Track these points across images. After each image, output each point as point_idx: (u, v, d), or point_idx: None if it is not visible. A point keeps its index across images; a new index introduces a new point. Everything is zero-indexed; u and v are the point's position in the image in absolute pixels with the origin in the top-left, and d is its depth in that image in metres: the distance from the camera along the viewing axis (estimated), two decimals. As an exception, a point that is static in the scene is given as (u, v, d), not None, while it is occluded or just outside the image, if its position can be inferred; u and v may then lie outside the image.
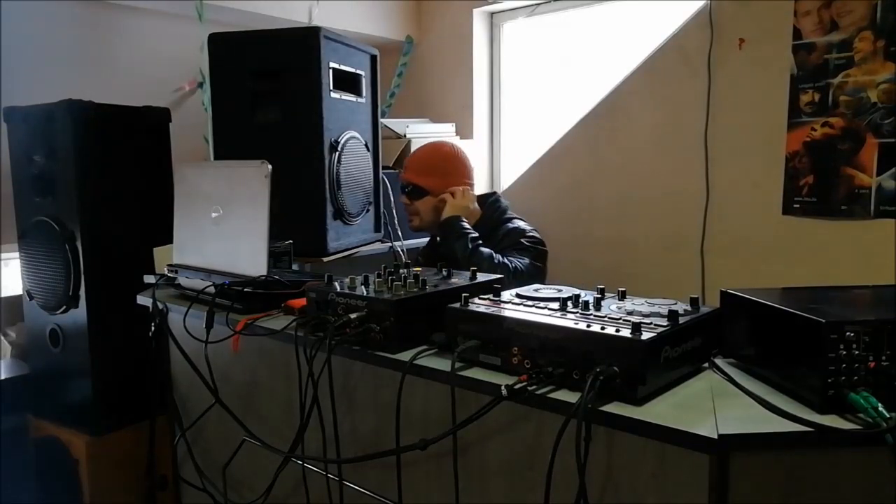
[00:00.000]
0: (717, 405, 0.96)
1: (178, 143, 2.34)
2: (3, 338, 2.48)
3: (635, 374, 0.95)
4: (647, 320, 1.03)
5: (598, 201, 3.09)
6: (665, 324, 1.02)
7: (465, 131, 3.51)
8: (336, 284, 1.37)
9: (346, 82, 2.41)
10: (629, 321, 1.00)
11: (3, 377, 2.31)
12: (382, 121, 2.79)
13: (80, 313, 2.08)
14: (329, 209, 2.30)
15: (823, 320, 0.89)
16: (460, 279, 1.42)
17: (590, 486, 0.93)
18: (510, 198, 3.47)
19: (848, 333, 0.89)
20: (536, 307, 1.14)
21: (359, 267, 1.80)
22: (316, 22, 3.07)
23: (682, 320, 1.04)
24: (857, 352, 0.89)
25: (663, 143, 2.85)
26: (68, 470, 2.13)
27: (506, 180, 3.61)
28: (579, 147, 3.14)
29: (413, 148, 2.97)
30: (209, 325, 1.50)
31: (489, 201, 2.41)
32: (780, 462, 0.89)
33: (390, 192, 2.78)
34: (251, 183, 1.56)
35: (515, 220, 2.34)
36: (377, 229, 2.69)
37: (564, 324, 1.04)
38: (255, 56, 2.29)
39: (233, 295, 1.53)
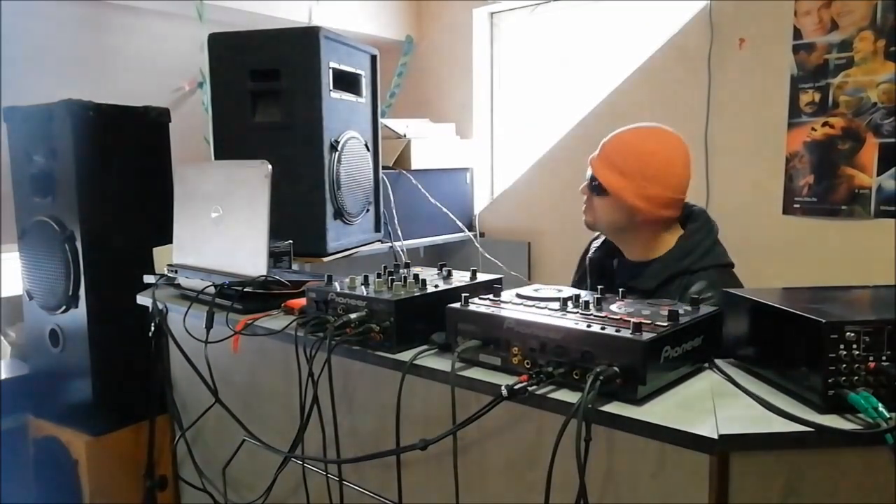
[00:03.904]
0: (717, 405, 0.96)
1: (178, 143, 2.34)
2: (3, 338, 2.48)
3: (635, 374, 0.95)
4: (647, 320, 1.03)
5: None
6: (665, 324, 1.02)
7: (465, 131, 3.51)
8: (336, 284, 1.37)
9: (346, 82, 2.41)
10: (629, 321, 1.00)
11: (3, 377, 2.31)
12: (382, 121, 2.79)
13: (80, 313, 2.08)
14: (329, 209, 2.30)
15: (823, 320, 0.89)
16: (460, 279, 1.42)
17: (590, 486, 0.92)
18: (510, 198, 3.50)
19: (848, 333, 0.89)
20: (536, 307, 1.14)
21: (359, 267, 1.81)
22: (316, 22, 3.07)
23: (682, 320, 1.04)
24: (857, 352, 0.89)
25: (663, 143, 2.85)
26: (68, 470, 2.13)
27: (506, 180, 3.61)
28: (579, 147, 3.13)
29: (413, 148, 2.98)
30: (209, 325, 1.50)
31: (690, 227, 1.70)
32: (780, 462, 0.89)
33: (390, 192, 2.78)
34: (251, 183, 1.56)
35: (727, 275, 1.68)
36: (377, 229, 2.69)
37: (564, 324, 1.03)
38: (255, 56, 2.29)
39: (233, 295, 1.53)
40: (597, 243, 1.85)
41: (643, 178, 1.62)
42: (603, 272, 1.78)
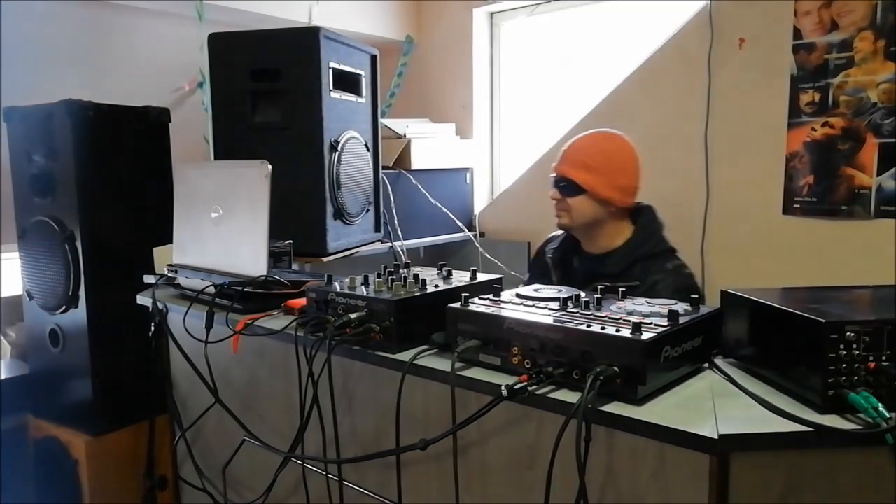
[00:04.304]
0: (717, 405, 0.96)
1: (178, 143, 2.33)
2: (3, 338, 2.48)
3: (635, 374, 0.95)
4: (647, 320, 1.03)
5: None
6: (665, 324, 1.02)
7: (465, 131, 3.51)
8: (336, 284, 1.37)
9: (346, 82, 2.41)
10: (629, 321, 1.00)
11: (3, 377, 2.31)
12: (382, 121, 2.79)
13: (80, 313, 2.08)
14: (329, 209, 2.30)
15: (823, 320, 0.89)
16: (460, 279, 1.42)
17: (590, 486, 0.92)
18: (510, 198, 3.49)
19: (848, 333, 0.89)
20: (536, 307, 1.14)
21: (359, 267, 1.80)
22: (316, 22, 3.07)
23: (682, 320, 1.04)
24: (857, 352, 0.89)
25: (663, 143, 2.85)
26: (68, 470, 2.13)
27: (506, 180, 3.61)
28: (579, 147, 3.14)
29: (413, 148, 2.98)
30: (209, 325, 1.50)
31: (643, 220, 1.90)
32: (780, 462, 0.89)
33: (390, 192, 2.78)
34: (251, 183, 1.56)
35: (673, 258, 1.86)
36: (377, 229, 2.69)
37: (564, 324, 1.04)
38: (255, 56, 2.29)
39: (233, 295, 1.53)
40: (554, 244, 2.04)
41: (612, 171, 1.85)
42: (565, 268, 1.97)
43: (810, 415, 0.90)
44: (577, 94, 3.27)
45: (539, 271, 2.07)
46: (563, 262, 1.99)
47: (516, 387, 0.99)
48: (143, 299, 1.85)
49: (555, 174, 1.91)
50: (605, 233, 1.87)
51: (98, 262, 2.07)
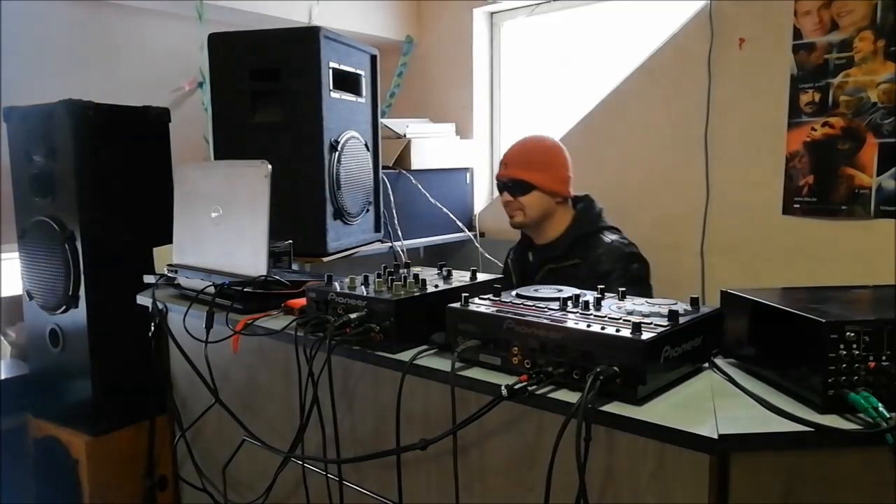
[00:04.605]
0: (717, 405, 0.96)
1: (178, 143, 2.34)
2: (3, 338, 2.48)
3: (635, 374, 0.95)
4: (647, 320, 1.03)
5: (598, 201, 3.09)
6: (665, 324, 1.02)
7: (465, 131, 3.51)
8: (336, 284, 1.37)
9: (346, 82, 2.41)
10: (629, 321, 1.00)
11: (3, 377, 2.31)
12: (382, 121, 2.79)
13: (80, 313, 2.08)
14: (329, 209, 2.30)
15: (823, 320, 0.89)
16: (460, 279, 1.42)
17: (590, 486, 0.92)
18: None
19: (848, 333, 0.89)
20: (536, 307, 1.14)
21: (359, 267, 1.81)
22: (316, 22, 3.07)
23: (682, 320, 1.04)
24: (857, 352, 0.89)
25: (663, 143, 2.85)
26: (68, 470, 2.13)
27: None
28: (579, 147, 3.12)
29: (413, 148, 2.98)
30: (209, 325, 1.50)
31: (581, 206, 2.16)
32: (780, 462, 0.89)
33: (390, 192, 2.78)
34: (251, 183, 1.56)
35: (611, 234, 2.09)
36: (377, 229, 2.69)
37: (564, 324, 1.04)
38: (255, 56, 2.29)
39: (233, 295, 1.53)
40: (513, 248, 2.29)
41: (554, 166, 2.10)
42: (524, 265, 2.21)
43: (810, 415, 0.90)
44: (578, 95, 3.27)
45: (505, 280, 2.23)
46: (520, 260, 2.23)
47: (516, 387, 0.99)
48: (143, 299, 1.85)
49: (502, 179, 2.13)
50: (552, 223, 2.12)
51: (98, 262, 2.07)
